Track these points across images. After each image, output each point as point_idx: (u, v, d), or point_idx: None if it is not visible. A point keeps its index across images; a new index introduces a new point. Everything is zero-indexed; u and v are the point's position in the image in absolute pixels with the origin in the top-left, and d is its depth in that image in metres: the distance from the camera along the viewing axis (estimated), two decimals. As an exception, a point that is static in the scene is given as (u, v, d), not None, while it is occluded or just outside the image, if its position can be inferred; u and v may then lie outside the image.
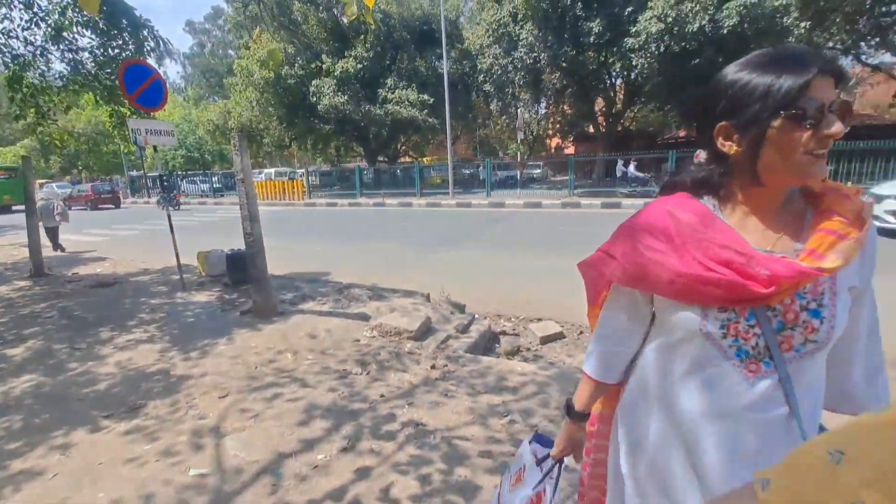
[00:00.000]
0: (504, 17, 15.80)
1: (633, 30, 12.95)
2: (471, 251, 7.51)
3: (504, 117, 24.05)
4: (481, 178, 20.47)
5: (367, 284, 4.91)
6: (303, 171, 22.15)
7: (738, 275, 0.69)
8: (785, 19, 12.00)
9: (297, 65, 19.39)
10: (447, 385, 2.74)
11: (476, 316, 4.19)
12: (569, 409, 0.97)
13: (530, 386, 2.71)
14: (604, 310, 0.92)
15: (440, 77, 19.98)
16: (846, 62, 18.79)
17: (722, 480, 0.74)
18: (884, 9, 14.27)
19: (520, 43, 15.21)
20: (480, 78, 17.96)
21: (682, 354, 0.78)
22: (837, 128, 0.67)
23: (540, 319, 4.21)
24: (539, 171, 23.99)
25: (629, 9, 13.34)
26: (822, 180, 0.73)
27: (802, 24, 12.44)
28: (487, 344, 3.80)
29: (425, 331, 3.61)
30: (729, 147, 0.74)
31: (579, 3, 13.89)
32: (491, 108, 20.61)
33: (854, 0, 13.81)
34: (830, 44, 15.66)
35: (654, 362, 0.84)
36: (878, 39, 15.58)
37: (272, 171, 25.20)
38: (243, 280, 4.99)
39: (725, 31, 12.03)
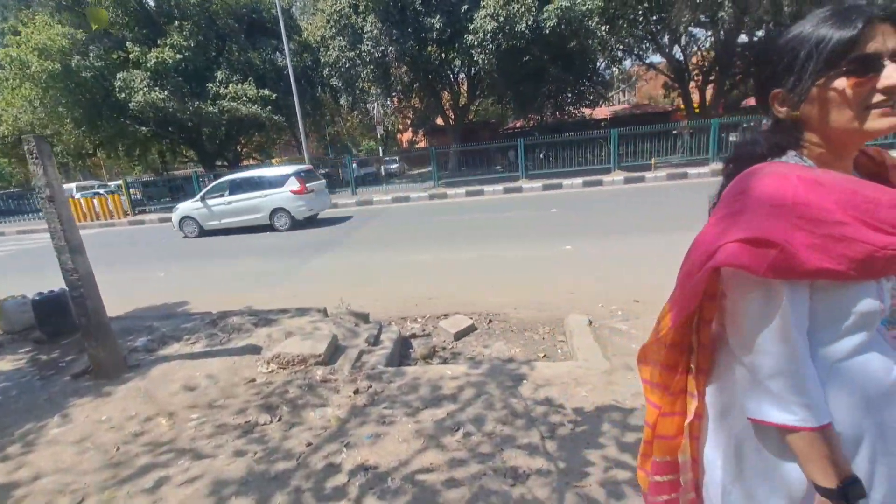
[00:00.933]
0: (344, 7, 15.20)
1: (472, 27, 13.70)
2: (351, 253, 7.06)
3: (356, 113, 23.40)
4: (340, 176, 19.67)
5: (245, 309, 4.18)
6: (119, 182, 18.24)
7: None
8: (590, 22, 14.04)
9: (92, 54, 15.71)
10: (380, 410, 2.43)
11: (383, 324, 3.89)
12: (855, 491, 0.68)
13: (468, 389, 2.57)
14: (759, 313, 0.70)
15: (279, 71, 18.40)
16: (629, 62, 23.15)
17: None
18: (654, 17, 17.79)
19: (364, 36, 14.83)
20: (326, 72, 17.03)
21: (842, 346, 0.68)
22: (890, 79, 0.63)
23: (447, 315, 4.11)
24: (396, 165, 24.09)
25: (465, 6, 14.06)
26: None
27: (603, 28, 14.76)
28: (402, 351, 3.55)
29: (334, 351, 3.19)
30: (786, 112, 0.69)
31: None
32: (341, 103, 19.80)
33: (634, 10, 16.88)
34: (620, 46, 18.94)
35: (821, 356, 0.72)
36: (653, 43, 19.35)
37: (72, 185, 20.28)
38: (65, 331, 3.79)
39: (547, 31, 13.56)
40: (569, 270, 5.16)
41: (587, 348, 3.07)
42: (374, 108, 19.99)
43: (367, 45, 14.84)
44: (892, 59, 0.63)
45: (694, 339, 0.86)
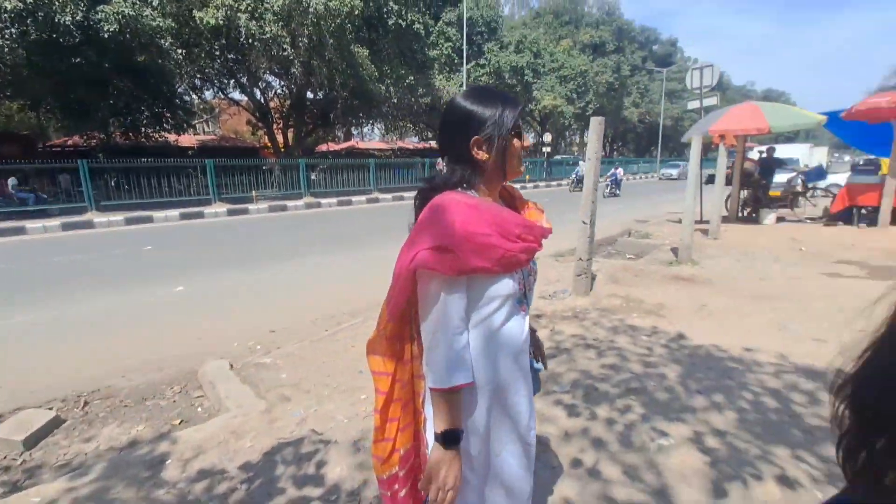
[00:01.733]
0: None
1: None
2: None
3: None
4: None
5: None
6: None
7: (532, 241, 0.99)
8: (163, 41, 12.72)
9: None
10: None
11: None
12: (451, 438, 0.94)
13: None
14: (438, 307, 0.93)
15: None
16: (211, 93, 22.60)
17: (529, 388, 1.07)
18: (231, 55, 18.14)
19: None
20: None
21: (496, 318, 0.98)
22: (528, 141, 1.10)
23: (2, 415, 2.67)
24: None
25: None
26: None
27: (179, 51, 13.71)
28: None
29: None
30: (482, 155, 0.99)
31: None
32: None
33: (210, 43, 16.58)
34: (199, 75, 18.20)
35: (475, 332, 0.99)
36: (234, 80, 19.68)
37: None
38: None
39: (106, 36, 11.24)
40: (188, 314, 4.50)
41: (237, 394, 2.80)
42: None
43: None
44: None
45: (413, 330, 1.06)
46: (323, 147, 28.43)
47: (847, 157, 29.85)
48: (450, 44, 21.40)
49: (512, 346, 1.02)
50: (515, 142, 1.02)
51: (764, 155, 10.51)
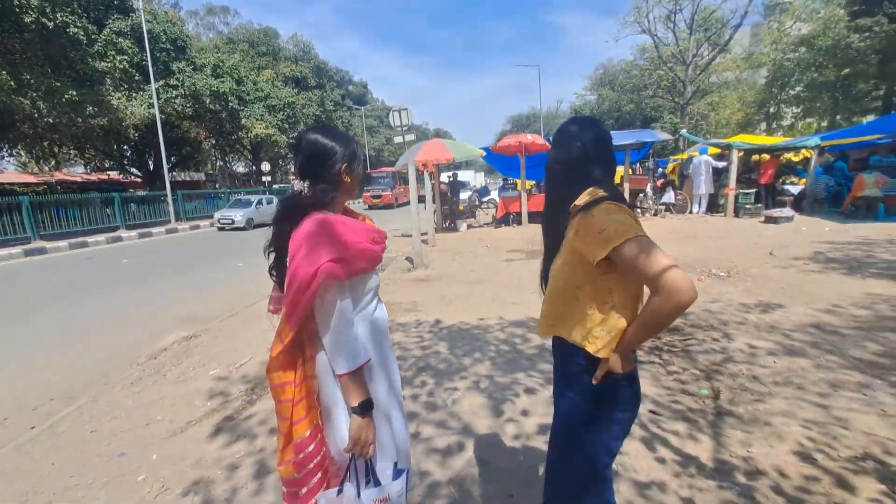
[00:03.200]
0: None
1: None
2: None
3: None
4: None
5: None
6: None
7: (384, 243, 1.30)
8: None
9: None
10: None
11: None
12: (367, 406, 1.17)
13: None
14: (338, 306, 1.14)
15: None
16: None
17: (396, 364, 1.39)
18: None
19: None
20: None
21: (371, 307, 1.27)
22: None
23: None
24: None
25: None
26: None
27: None
28: None
29: None
30: (348, 179, 1.28)
31: None
32: None
33: None
34: None
35: (359, 321, 1.24)
36: None
37: None
38: None
39: None
40: None
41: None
42: None
43: None
44: None
45: (305, 335, 1.21)
46: None
47: (497, 180, 41.02)
48: (125, 57, 17.86)
49: (384, 328, 1.33)
50: (359, 170, 1.33)
51: (451, 179, 13.60)
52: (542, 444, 2.28)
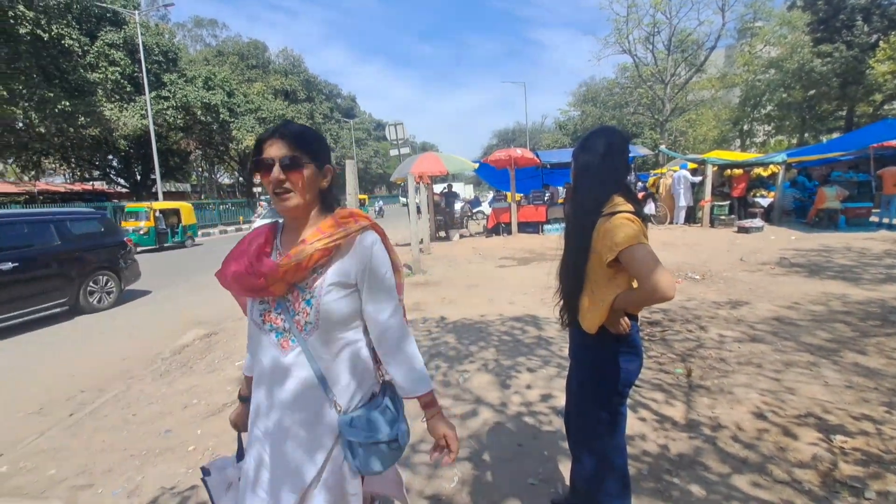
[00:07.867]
0: None
1: None
2: None
3: None
4: None
5: None
6: None
7: (246, 272, 0.96)
8: None
9: None
10: None
11: None
12: (241, 399, 1.25)
13: None
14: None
15: None
16: None
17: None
18: None
19: None
20: None
21: (251, 335, 1.08)
22: (272, 176, 0.94)
23: None
24: None
25: None
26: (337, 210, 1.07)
27: None
28: None
29: None
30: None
31: None
32: None
33: None
34: None
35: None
36: None
37: None
38: None
39: None
40: None
41: None
42: None
43: None
44: (280, 162, 0.94)
45: None
46: None
47: (485, 193, 41.81)
48: (117, 68, 18.04)
49: (259, 370, 1.07)
50: (260, 174, 1.02)
51: (446, 190, 14.08)
52: (545, 409, 2.70)
